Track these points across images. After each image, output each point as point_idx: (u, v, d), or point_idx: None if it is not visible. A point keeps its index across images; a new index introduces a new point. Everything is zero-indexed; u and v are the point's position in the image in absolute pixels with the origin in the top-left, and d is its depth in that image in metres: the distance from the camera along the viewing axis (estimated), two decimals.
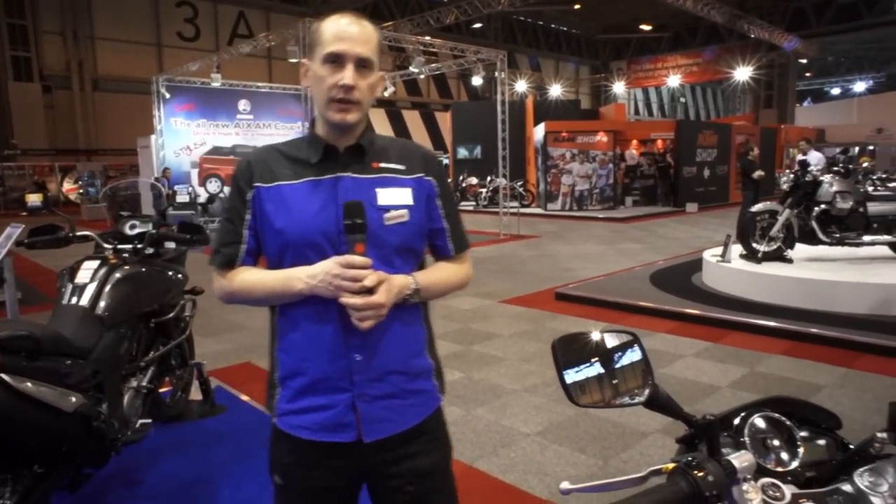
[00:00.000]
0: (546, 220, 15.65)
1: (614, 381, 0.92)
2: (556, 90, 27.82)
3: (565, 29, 31.14)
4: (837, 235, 6.37)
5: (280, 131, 17.87)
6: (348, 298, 1.20)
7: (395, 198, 1.32)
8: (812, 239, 6.43)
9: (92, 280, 2.66)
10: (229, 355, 5.19)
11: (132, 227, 3.19)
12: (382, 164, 1.34)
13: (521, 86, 25.47)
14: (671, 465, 0.81)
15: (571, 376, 0.92)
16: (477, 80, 21.06)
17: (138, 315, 2.86)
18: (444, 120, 19.89)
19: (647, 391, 0.91)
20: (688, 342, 5.20)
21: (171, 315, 3.15)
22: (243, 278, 1.34)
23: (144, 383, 2.88)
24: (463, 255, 1.46)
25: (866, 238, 6.38)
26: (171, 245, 3.30)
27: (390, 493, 1.35)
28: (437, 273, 1.41)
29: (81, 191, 23.06)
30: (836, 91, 38.73)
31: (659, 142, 19.07)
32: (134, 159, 18.52)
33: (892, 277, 5.78)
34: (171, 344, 3.18)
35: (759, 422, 0.99)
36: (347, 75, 1.25)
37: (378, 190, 1.31)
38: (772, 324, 5.36)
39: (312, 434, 1.30)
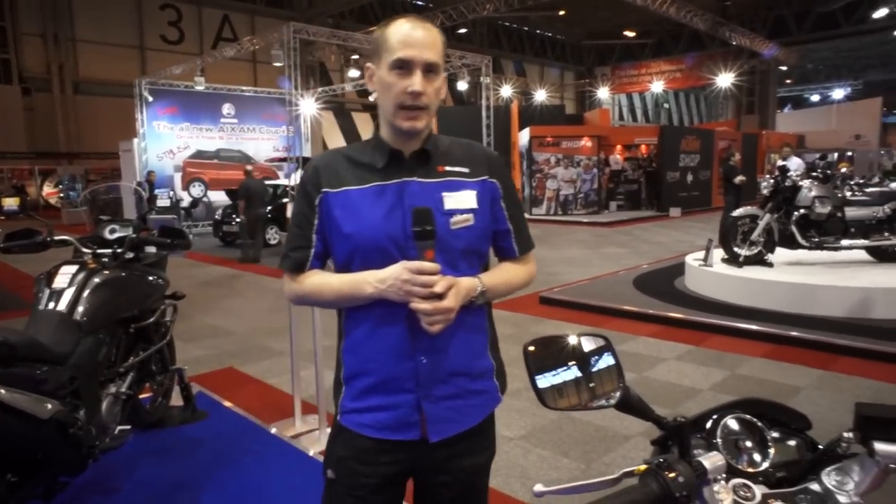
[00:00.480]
0: (531, 225, 15.30)
1: (589, 385, 0.93)
2: (540, 95, 27.98)
3: (550, 35, 31.36)
4: (816, 240, 6.46)
5: (265, 135, 17.80)
6: (419, 304, 1.21)
7: (461, 202, 1.33)
8: (792, 243, 6.51)
9: (70, 285, 2.63)
10: (211, 361, 5.14)
11: (112, 231, 3.16)
12: (447, 168, 1.36)
13: (507, 91, 25.60)
14: (643, 467, 0.82)
15: (546, 380, 0.93)
16: (462, 85, 21.12)
17: (117, 320, 2.83)
18: (431, 124, 19.91)
19: (618, 394, 0.92)
20: (670, 345, 5.24)
21: (152, 320, 3.12)
22: (313, 282, 1.36)
23: (123, 389, 2.84)
24: (527, 256, 1.48)
25: (844, 242, 6.48)
26: (151, 249, 3.27)
27: (437, 489, 1.40)
28: (502, 274, 1.43)
29: (62, 195, 22.75)
30: (815, 98, 39.33)
31: (643, 147, 19.24)
32: (116, 163, 18.32)
33: (869, 281, 5.87)
34: (151, 349, 3.14)
35: (731, 423, 1.00)
36: (416, 81, 1.26)
37: (444, 194, 1.33)
38: (753, 327, 5.42)
39: (376, 432, 1.33)
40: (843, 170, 10.75)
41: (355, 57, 21.15)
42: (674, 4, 18.09)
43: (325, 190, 1.33)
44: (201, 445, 3.39)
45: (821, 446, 1.00)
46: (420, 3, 26.17)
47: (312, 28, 13.62)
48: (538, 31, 30.69)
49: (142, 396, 3.37)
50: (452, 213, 1.30)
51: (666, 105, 36.01)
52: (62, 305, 2.55)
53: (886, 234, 6.55)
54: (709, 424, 1.00)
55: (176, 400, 3.75)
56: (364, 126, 24.70)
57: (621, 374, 0.94)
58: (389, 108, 1.30)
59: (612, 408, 0.91)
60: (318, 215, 1.34)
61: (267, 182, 14.92)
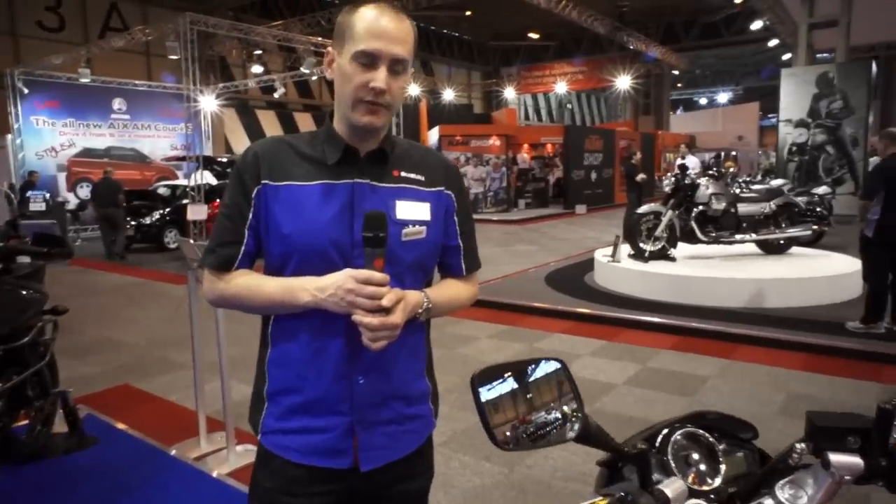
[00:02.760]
0: None
1: (542, 420, 0.83)
2: (448, 95, 28.15)
3: (457, 35, 31.62)
4: (713, 234, 6.83)
5: (161, 132, 16.75)
6: (363, 317, 1.09)
7: (414, 212, 1.23)
8: (692, 238, 6.85)
9: None
10: (104, 377, 4.70)
11: None
12: (403, 174, 1.25)
13: (414, 89, 25.56)
14: (604, 501, 0.73)
15: (495, 417, 0.82)
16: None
17: None
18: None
19: (577, 425, 0.83)
20: (584, 341, 5.34)
21: (27, 339, 2.75)
22: (241, 283, 1.22)
23: None
24: (473, 276, 1.39)
25: (737, 237, 6.90)
26: (25, 259, 2.90)
27: None
28: (447, 290, 1.32)
29: None
30: (703, 101, 42.11)
31: (549, 146, 19.78)
32: None
33: (760, 273, 6.26)
34: (26, 373, 2.78)
35: (681, 438, 0.95)
36: (380, 78, 1.14)
37: (397, 202, 1.21)
38: (660, 320, 5.63)
39: (302, 457, 1.21)
40: (732, 169, 11.48)
41: (258, 52, 20.34)
42: (575, 8, 18.69)
43: (264, 181, 1.20)
44: (91, 476, 3.05)
45: (771, 455, 0.97)
46: None
47: (212, 19, 12.89)
48: (445, 31, 30.87)
49: (16, 425, 2.99)
50: (404, 223, 1.20)
51: (569, 105, 37.27)
52: None
53: (773, 228, 7.04)
54: (658, 441, 0.95)
55: (60, 426, 3.36)
56: (269, 124, 23.85)
57: (580, 402, 0.85)
58: (347, 100, 1.17)
59: (571, 441, 0.82)
60: (254, 209, 1.20)
61: (165, 183, 14.07)
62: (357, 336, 1.12)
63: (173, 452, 3.31)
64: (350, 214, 1.17)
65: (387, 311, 1.10)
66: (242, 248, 1.22)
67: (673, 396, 4.09)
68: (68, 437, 3.31)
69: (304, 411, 1.21)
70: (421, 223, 1.22)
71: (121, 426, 3.70)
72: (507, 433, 0.82)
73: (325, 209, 1.17)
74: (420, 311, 1.19)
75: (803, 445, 0.88)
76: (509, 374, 0.87)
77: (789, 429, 3.50)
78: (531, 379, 0.88)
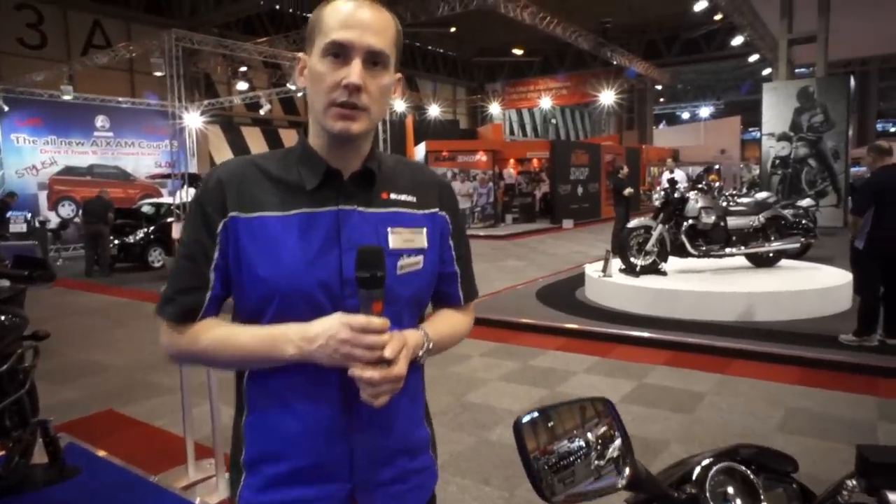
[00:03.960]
0: None
1: (592, 465, 0.76)
2: (434, 110, 28.25)
3: (442, 51, 31.82)
4: (704, 248, 6.84)
5: (145, 150, 16.57)
6: (362, 371, 0.93)
7: (409, 240, 1.06)
8: (682, 252, 6.85)
9: None
10: (88, 403, 4.55)
11: None
12: (393, 196, 1.09)
13: (400, 105, 25.63)
14: None
15: (542, 464, 0.75)
16: (400, 105, 20.88)
17: None
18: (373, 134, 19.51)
19: (627, 470, 0.76)
20: (578, 358, 5.27)
21: (5, 367, 2.64)
22: (211, 336, 1.02)
23: None
24: (470, 305, 1.25)
25: (727, 250, 6.91)
26: (3, 283, 2.79)
27: None
28: (446, 325, 1.17)
29: None
30: (685, 115, 42.66)
31: (535, 161, 19.86)
32: None
33: (751, 286, 6.26)
34: (4, 402, 2.66)
35: (719, 474, 0.89)
36: (353, 72, 0.98)
37: (390, 229, 1.05)
38: (653, 335, 5.59)
39: None
40: (718, 183, 11.57)
41: (243, 69, 20.26)
42: (559, 24, 18.88)
43: (232, 213, 1.02)
44: None
45: (813, 491, 0.91)
46: (309, 14, 25.72)
47: (197, 36, 12.83)
48: (430, 48, 31.06)
49: None
50: (399, 253, 1.05)
51: (553, 120, 37.54)
52: None
53: (762, 241, 7.06)
54: (695, 476, 0.89)
55: (40, 456, 3.22)
56: (254, 141, 23.75)
57: (629, 446, 0.78)
58: (319, 105, 1.01)
59: (621, 490, 0.75)
60: (220, 247, 1.02)
61: (149, 200, 13.89)
62: (353, 390, 0.96)
63: (159, 481, 3.18)
64: (337, 248, 1.01)
65: (388, 361, 0.95)
66: (208, 293, 1.03)
67: (671, 413, 4.04)
68: (48, 468, 3.17)
69: (293, 480, 1.03)
70: (417, 252, 1.07)
71: (104, 455, 3.56)
72: (555, 483, 0.75)
73: (308, 244, 1.00)
74: (421, 352, 1.05)
75: (854, 482, 0.82)
76: (553, 418, 0.80)
77: (790, 446, 3.45)
78: (576, 422, 0.81)
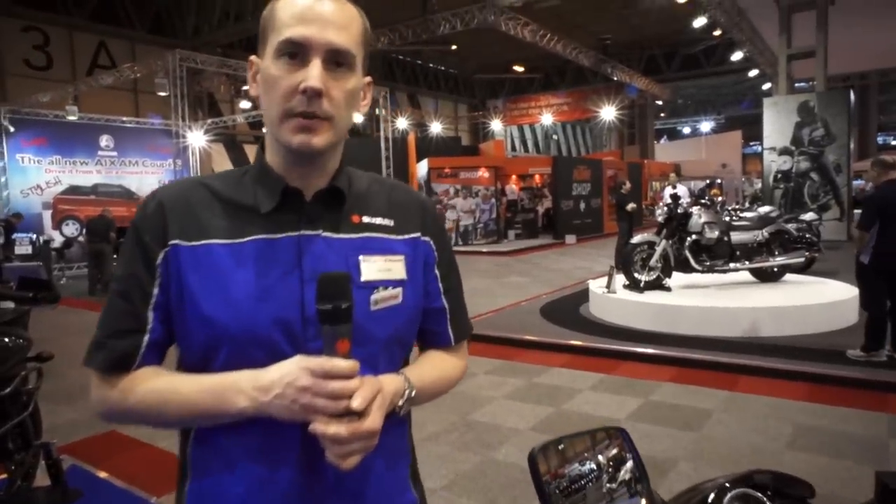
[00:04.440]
0: None
1: (603, 488, 0.75)
2: (436, 127, 28.41)
3: (443, 68, 32.09)
4: (708, 263, 6.81)
5: (149, 169, 16.64)
6: (326, 427, 0.77)
7: (385, 270, 0.91)
8: (686, 267, 6.82)
9: None
10: (90, 424, 4.51)
11: None
12: (366, 219, 0.94)
13: (402, 123, 25.77)
14: None
15: (554, 489, 0.74)
16: (358, 117, 21.00)
17: None
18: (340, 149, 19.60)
19: (643, 501, 0.75)
20: (583, 375, 5.24)
21: (8, 390, 2.62)
22: (146, 389, 0.86)
23: None
24: (462, 345, 1.08)
25: (731, 265, 6.88)
26: (9, 304, 2.79)
27: None
28: (433, 369, 1.00)
29: None
30: (686, 130, 42.84)
31: (537, 177, 19.92)
32: None
33: (756, 301, 6.23)
34: (7, 425, 2.64)
35: (734, 501, 0.87)
36: (313, 74, 0.83)
37: (361, 258, 0.89)
38: (659, 352, 5.56)
39: None
40: (720, 198, 11.57)
41: (246, 87, 20.46)
42: (560, 42, 19.05)
43: (174, 242, 0.87)
44: None
45: None
46: None
47: (201, 56, 13.00)
48: (431, 65, 31.32)
49: None
50: (373, 286, 0.89)
51: (555, 136, 37.73)
52: None
53: (766, 255, 7.04)
54: (710, 503, 0.87)
55: (42, 479, 3.19)
56: None
57: (644, 475, 0.77)
58: (273, 116, 0.86)
59: None
60: (160, 281, 0.87)
61: None
62: (318, 450, 0.80)
63: None
64: (298, 281, 0.86)
65: (359, 413, 0.79)
66: (146, 337, 0.87)
67: (678, 431, 3.99)
68: (51, 490, 3.14)
69: None
70: (395, 284, 0.92)
71: (102, 475, 3.54)
72: None
73: (263, 276, 0.85)
74: (401, 402, 0.89)
75: None
76: (569, 448, 0.79)
77: (800, 464, 3.41)
78: (591, 452, 0.80)
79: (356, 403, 0.78)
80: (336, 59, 0.86)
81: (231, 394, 0.82)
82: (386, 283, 0.91)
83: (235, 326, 0.84)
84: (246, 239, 0.87)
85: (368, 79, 0.95)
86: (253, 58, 0.93)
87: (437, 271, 1.01)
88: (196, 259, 0.86)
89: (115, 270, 0.91)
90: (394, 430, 0.89)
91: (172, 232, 0.87)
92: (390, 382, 0.87)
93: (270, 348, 0.84)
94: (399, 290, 0.92)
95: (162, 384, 0.86)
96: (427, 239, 1.00)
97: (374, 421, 0.79)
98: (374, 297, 0.89)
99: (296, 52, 0.84)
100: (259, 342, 0.84)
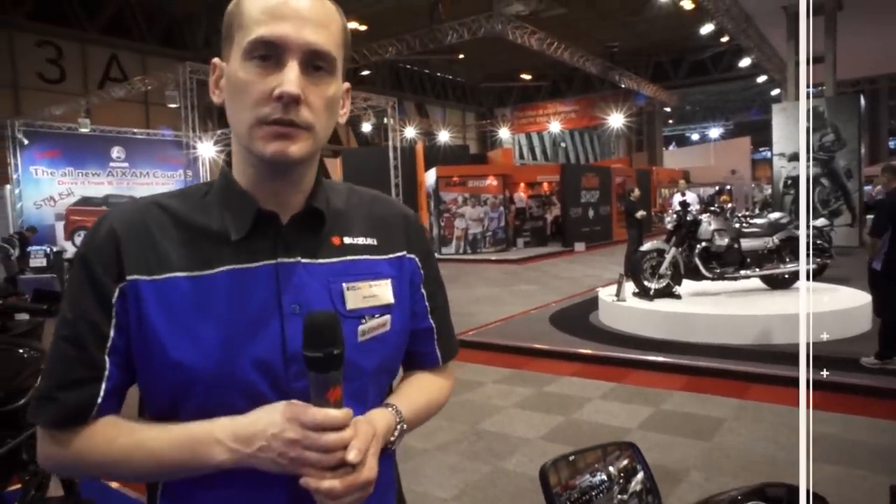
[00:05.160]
0: (441, 265, 15.56)
1: (614, 500, 0.75)
2: (444, 136, 28.50)
3: (450, 77, 32.23)
4: (718, 270, 6.78)
5: (160, 180, 16.84)
6: (320, 483, 0.71)
7: (371, 296, 0.83)
8: (696, 275, 6.79)
9: None
10: None
11: None
12: (347, 240, 0.85)
13: (410, 132, 25.88)
14: None
15: (564, 500, 0.74)
16: (366, 127, 21.11)
17: None
18: (334, 166, 19.65)
19: None
20: (593, 384, 5.21)
21: (23, 401, 2.65)
22: (106, 445, 0.75)
23: None
24: (449, 365, 1.02)
25: (742, 272, 6.84)
26: (23, 317, 2.82)
27: None
28: (421, 394, 0.93)
29: None
30: (695, 136, 42.74)
31: (545, 184, 19.91)
32: None
33: (767, 308, 6.18)
34: (21, 436, 2.66)
35: None
36: (289, 78, 0.73)
37: (345, 286, 0.81)
38: (669, 360, 5.53)
39: None
40: (730, 204, 11.53)
41: None
42: (567, 49, 19.09)
43: (131, 276, 0.76)
44: None
45: None
46: None
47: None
48: (439, 74, 31.48)
49: (10, 489, 2.85)
50: (359, 315, 0.82)
51: (563, 144, 37.74)
52: None
53: (777, 262, 7.00)
54: None
55: (55, 489, 3.21)
56: None
57: (656, 492, 0.77)
58: (243, 126, 0.76)
59: None
60: (117, 321, 0.76)
61: None
62: (306, 501, 0.73)
63: None
64: (278, 315, 0.77)
65: (353, 464, 0.72)
66: (102, 385, 0.75)
67: (690, 440, 3.97)
68: (64, 501, 3.17)
69: None
70: (382, 310, 0.84)
71: (119, 487, 3.55)
72: None
73: (238, 312, 0.76)
74: (392, 438, 0.82)
75: None
76: (579, 460, 0.80)
77: (814, 474, 3.35)
78: (602, 463, 0.81)
79: (352, 456, 0.71)
80: (314, 62, 0.76)
81: (205, 446, 0.73)
82: (373, 311, 0.83)
83: (209, 370, 0.75)
84: (216, 270, 0.77)
85: (347, 85, 0.86)
86: (216, 60, 0.83)
87: (423, 290, 0.95)
88: (160, 296, 0.75)
89: (60, 311, 0.78)
90: (382, 464, 0.80)
91: (128, 264, 0.76)
92: (381, 420, 0.81)
93: (248, 391, 0.76)
94: (387, 317, 0.85)
95: (124, 439, 0.76)
96: (412, 256, 0.93)
97: (370, 470, 0.74)
98: (361, 327, 0.82)
99: (268, 54, 0.74)
100: (236, 386, 0.75)
